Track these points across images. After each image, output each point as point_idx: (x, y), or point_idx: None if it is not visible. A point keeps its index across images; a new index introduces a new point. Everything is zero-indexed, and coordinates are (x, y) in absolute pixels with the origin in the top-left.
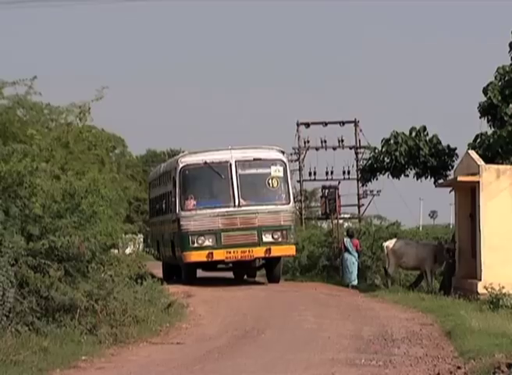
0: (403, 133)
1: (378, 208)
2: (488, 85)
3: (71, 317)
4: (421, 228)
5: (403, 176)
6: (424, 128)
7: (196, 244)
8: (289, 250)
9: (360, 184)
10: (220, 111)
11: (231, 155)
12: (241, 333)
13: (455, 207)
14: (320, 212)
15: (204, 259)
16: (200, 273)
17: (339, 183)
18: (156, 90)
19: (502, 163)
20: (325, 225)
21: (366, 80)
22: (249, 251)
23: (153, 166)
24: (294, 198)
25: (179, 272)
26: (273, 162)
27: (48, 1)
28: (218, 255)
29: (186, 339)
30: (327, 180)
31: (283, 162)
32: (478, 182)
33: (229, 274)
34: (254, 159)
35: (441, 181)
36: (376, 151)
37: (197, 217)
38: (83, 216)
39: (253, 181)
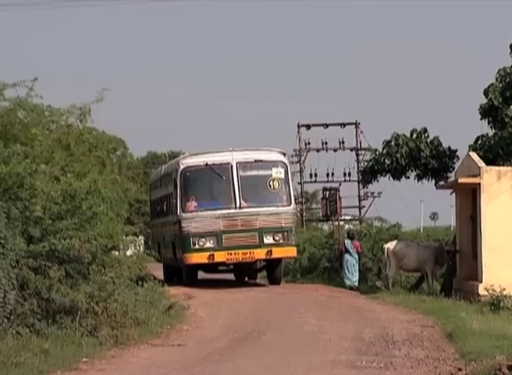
0: (403, 134)
1: (378, 210)
2: (489, 87)
3: (72, 319)
4: (421, 230)
5: (403, 177)
6: (425, 130)
7: (197, 246)
8: (290, 252)
9: (361, 186)
10: (221, 113)
11: (232, 157)
12: (242, 335)
13: (456, 209)
14: (321, 214)
15: (205, 261)
16: (201, 274)
17: (339, 185)
18: (157, 91)
19: (503, 165)
20: (325, 227)
21: (367, 82)
22: (250, 252)
23: (154, 167)
24: (295, 200)
25: (180, 274)
26: (274, 163)
27: (49, 4)
28: (219, 256)
29: (186, 341)
30: (328, 181)
31: (284, 163)
32: (479, 184)
33: (230, 276)
34: (255, 161)
35: (442, 183)
36: (377, 152)
37: (198, 219)
38: (84, 217)
39: (254, 183)
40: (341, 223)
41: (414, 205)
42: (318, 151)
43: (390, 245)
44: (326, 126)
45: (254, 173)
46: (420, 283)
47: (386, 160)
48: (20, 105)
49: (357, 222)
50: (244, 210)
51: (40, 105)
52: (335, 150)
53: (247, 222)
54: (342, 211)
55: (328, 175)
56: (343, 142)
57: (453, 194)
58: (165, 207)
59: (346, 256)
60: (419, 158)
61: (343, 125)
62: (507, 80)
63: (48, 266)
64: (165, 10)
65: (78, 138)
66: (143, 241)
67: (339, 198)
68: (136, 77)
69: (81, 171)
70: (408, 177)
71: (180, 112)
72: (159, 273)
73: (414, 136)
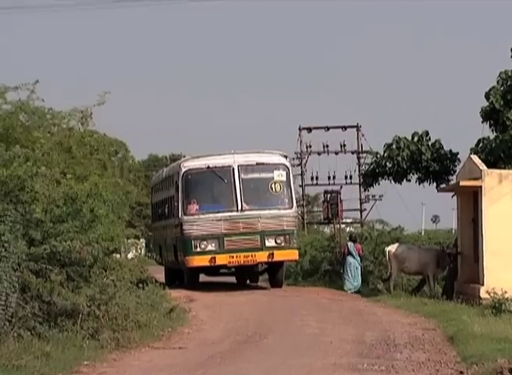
0: (405, 138)
1: (380, 213)
2: (490, 90)
3: (73, 322)
4: (423, 233)
5: (405, 180)
6: (427, 133)
7: (198, 249)
8: (292, 254)
9: (362, 189)
10: (222, 115)
11: (234, 160)
12: (243, 338)
13: (457, 212)
14: (322, 217)
15: (207, 264)
16: (202, 277)
17: (341, 187)
18: (158, 94)
19: (504, 168)
20: (327, 230)
21: (368, 85)
22: (252, 255)
23: (155, 170)
24: (297, 203)
25: (181, 276)
26: (276, 166)
27: (50, 7)
28: (221, 259)
29: (188, 344)
30: (329, 184)
31: (286, 166)
32: (481, 187)
33: (232, 279)
34: (257, 164)
35: (443, 186)
36: (378, 155)
37: (199, 222)
38: (85, 220)
39: (256, 186)
40: (342, 226)
41: (415, 208)
42: (319, 154)
43: (392, 248)
44: (327, 129)
45: (256, 175)
46: (421, 286)
47: (388, 163)
48: (22, 108)
49: (359, 225)
50: (246, 213)
51: (41, 108)
52: (336, 153)
53: (249, 225)
54: (343, 214)
55: (329, 178)
56: (345, 145)
57: (455, 197)
58: (166, 210)
59: (349, 259)
60: (420, 161)
61: (345, 128)
62: (508, 83)
63: (49, 269)
64: (167, 14)
65: (79, 141)
66: (144, 244)
67: (341, 201)
68: (137, 80)
69: (82, 174)
70: (409, 180)
71: (182, 114)
72: (160, 275)
73: (416, 139)
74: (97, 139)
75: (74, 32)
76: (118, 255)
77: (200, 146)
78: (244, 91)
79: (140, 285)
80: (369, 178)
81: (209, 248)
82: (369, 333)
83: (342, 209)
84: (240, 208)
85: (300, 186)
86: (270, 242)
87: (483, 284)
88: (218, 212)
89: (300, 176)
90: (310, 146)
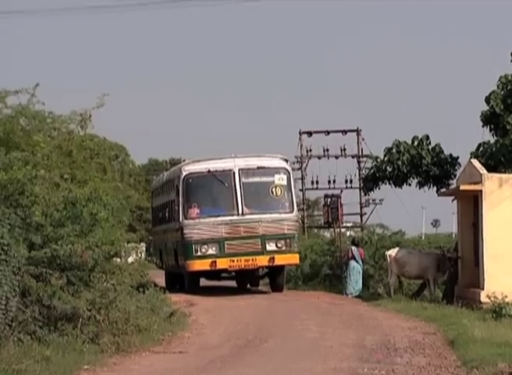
0: (405, 142)
1: (380, 217)
2: (490, 94)
3: (73, 326)
4: (423, 237)
5: (405, 185)
6: (427, 137)
7: (199, 253)
8: (292, 259)
9: (362, 193)
10: (222, 120)
11: (234, 164)
12: (243, 342)
13: (457, 216)
14: (322, 221)
15: (208, 268)
16: (202, 281)
17: (341, 191)
18: (158, 99)
19: (504, 172)
20: (327, 234)
21: (368, 89)
22: (252, 259)
23: (155, 174)
24: (297, 207)
25: (182, 281)
26: (277, 170)
27: (51, 10)
28: (222, 263)
29: (188, 348)
30: (329, 188)
31: (287, 170)
32: (481, 191)
33: (232, 283)
34: (258, 168)
35: (443, 190)
36: (378, 160)
37: (200, 226)
38: (85, 224)
39: (256, 189)
40: (342, 230)
41: (415, 212)
42: (319, 158)
43: (392, 252)
44: (328, 133)
45: (257, 179)
46: (422, 290)
47: (388, 167)
48: (22, 112)
49: (359, 229)
50: (247, 217)
51: (41, 112)
52: (336, 157)
53: (250, 229)
54: (343, 218)
55: (329, 182)
56: (345, 149)
57: (455, 202)
58: (167, 214)
59: (353, 263)
60: (420, 165)
61: (345, 132)
62: (509, 87)
63: (49, 273)
64: (168, 18)
65: (79, 145)
66: (144, 248)
67: (341, 205)
68: (137, 84)
69: (82, 178)
70: (410, 184)
71: (181, 119)
72: (161, 280)
73: (416, 143)
74: (97, 143)
75: (74, 36)
76: (118, 259)
77: (200, 150)
78: (244, 96)
79: (141, 289)
80: (369, 182)
81: (210, 252)
82: (369, 338)
83: (342, 213)
84: (240, 212)
85: (300, 190)
86: (271, 246)
87: (483, 289)
88: (218, 216)
89: (300, 180)
90: (310, 150)
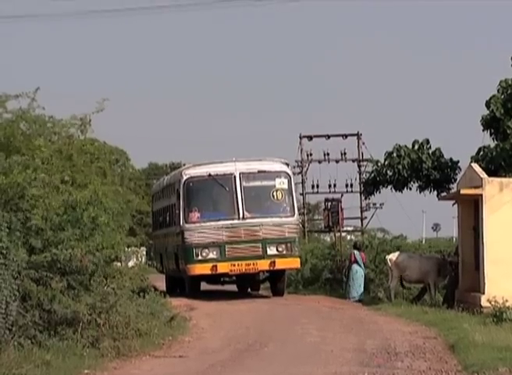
0: (405, 146)
1: (381, 221)
2: (490, 98)
3: (73, 330)
4: (423, 241)
5: (405, 189)
6: (427, 141)
7: (200, 257)
8: (293, 263)
9: (363, 197)
10: (223, 124)
11: (235, 167)
12: (244, 346)
13: (458, 220)
14: (323, 225)
15: (208, 272)
16: (203, 286)
17: (341, 196)
18: (158, 103)
19: (505, 176)
20: (327, 238)
21: (369, 93)
22: (253, 263)
23: (155, 178)
24: (298, 211)
25: (182, 285)
26: (278, 174)
27: (51, 15)
28: (223, 267)
29: (188, 352)
30: (330, 192)
31: (288, 174)
32: (481, 195)
33: (233, 287)
34: (259, 171)
35: (444, 194)
36: (379, 164)
37: (201, 230)
38: (85, 228)
39: (257, 193)
40: (343, 234)
41: (416, 217)
42: (319, 162)
43: (392, 256)
44: (328, 137)
45: (258, 183)
46: (422, 294)
47: (388, 171)
48: (22, 116)
49: (359, 233)
50: (247, 221)
51: (42, 117)
52: (337, 161)
53: (251, 233)
54: (344, 222)
55: (330, 186)
56: (345, 153)
57: (455, 206)
58: (167, 218)
59: (355, 267)
60: (421, 169)
61: (345, 136)
62: (509, 91)
63: (49, 277)
64: (168, 23)
65: (80, 149)
66: (145, 252)
67: (341, 209)
68: (137, 89)
69: (83, 182)
70: (410, 188)
71: (182, 123)
72: (161, 284)
73: (416, 147)
74: (97, 147)
75: (74, 40)
76: (118, 264)
77: (200, 155)
78: (244, 100)
79: (141, 293)
80: (370, 186)
81: (210, 256)
82: (370, 342)
83: (342, 217)
84: (241, 216)
85: (300, 194)
86: (272, 250)
87: (484, 293)
88: (219, 220)
89: (300, 185)
90: (310, 154)
